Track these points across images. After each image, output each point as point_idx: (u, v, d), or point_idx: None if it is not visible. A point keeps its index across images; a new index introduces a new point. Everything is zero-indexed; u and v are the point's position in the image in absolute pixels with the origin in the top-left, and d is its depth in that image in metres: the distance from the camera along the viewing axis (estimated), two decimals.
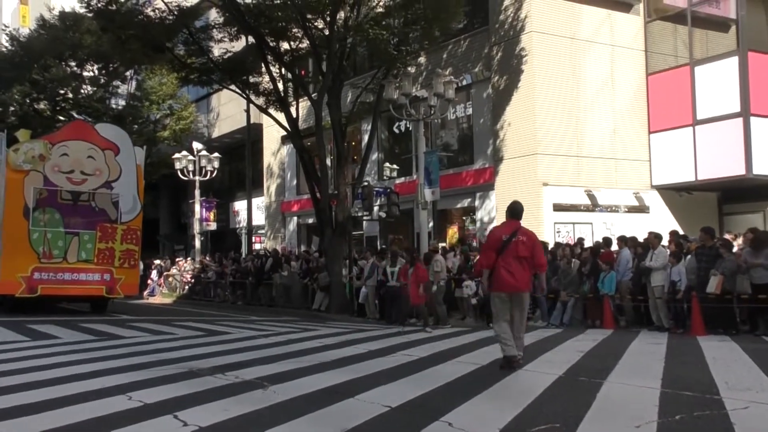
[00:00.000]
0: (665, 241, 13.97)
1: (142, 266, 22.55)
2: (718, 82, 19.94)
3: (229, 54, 21.88)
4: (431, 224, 19.57)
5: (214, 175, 29.61)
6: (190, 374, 7.46)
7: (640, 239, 14.50)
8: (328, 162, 21.69)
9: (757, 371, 7.65)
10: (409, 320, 15.72)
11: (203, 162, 29.13)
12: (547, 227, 19.27)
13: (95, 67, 33.71)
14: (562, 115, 20.19)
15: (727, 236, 14.66)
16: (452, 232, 22.93)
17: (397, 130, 24.98)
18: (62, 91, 33.09)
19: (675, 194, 21.58)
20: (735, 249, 12.94)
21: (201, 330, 13.36)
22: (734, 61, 19.60)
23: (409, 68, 20.04)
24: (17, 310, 16.83)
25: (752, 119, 19.16)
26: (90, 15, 21.89)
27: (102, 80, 34.42)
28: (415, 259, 15.02)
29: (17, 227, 16.70)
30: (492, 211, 20.94)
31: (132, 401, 5.97)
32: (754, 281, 11.72)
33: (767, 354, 9.08)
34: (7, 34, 34.03)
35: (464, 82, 21.54)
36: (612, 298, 13.73)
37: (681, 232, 15.91)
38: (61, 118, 31.98)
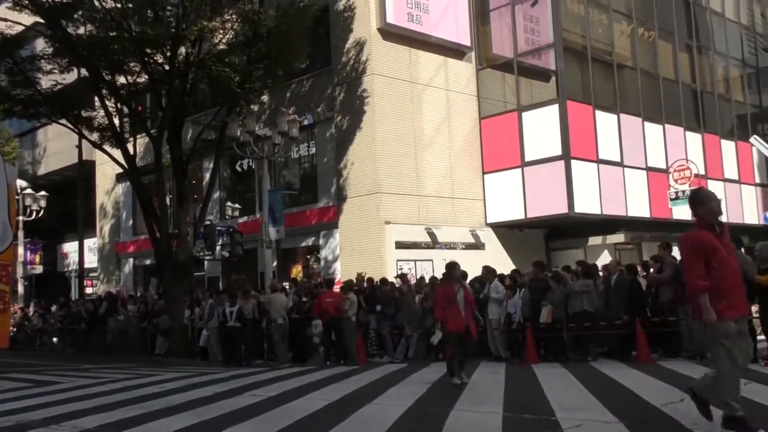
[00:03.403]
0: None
1: None
2: (542, 127, 21.53)
3: (59, 86, 20.67)
4: (275, 263, 19.41)
5: (40, 215, 27.70)
6: (18, 427, 6.87)
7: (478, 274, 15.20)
8: (168, 201, 20.97)
9: (586, 393, 8.23)
10: (255, 361, 15.45)
11: (28, 201, 27.21)
12: (390, 264, 19.72)
13: None
14: (403, 155, 20.87)
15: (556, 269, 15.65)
16: (296, 271, 22.86)
17: (239, 169, 24.69)
18: None
19: (508, 231, 22.89)
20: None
21: (27, 381, 12.34)
22: (555, 108, 21.28)
23: (253, 106, 19.97)
24: None
25: (573, 162, 20.85)
26: None
27: None
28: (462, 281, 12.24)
29: None
30: (336, 249, 21.13)
31: None
32: (574, 309, 12.62)
33: (593, 377, 9.80)
34: None
35: (306, 122, 21.70)
36: None
37: (514, 267, 16.94)
38: None
